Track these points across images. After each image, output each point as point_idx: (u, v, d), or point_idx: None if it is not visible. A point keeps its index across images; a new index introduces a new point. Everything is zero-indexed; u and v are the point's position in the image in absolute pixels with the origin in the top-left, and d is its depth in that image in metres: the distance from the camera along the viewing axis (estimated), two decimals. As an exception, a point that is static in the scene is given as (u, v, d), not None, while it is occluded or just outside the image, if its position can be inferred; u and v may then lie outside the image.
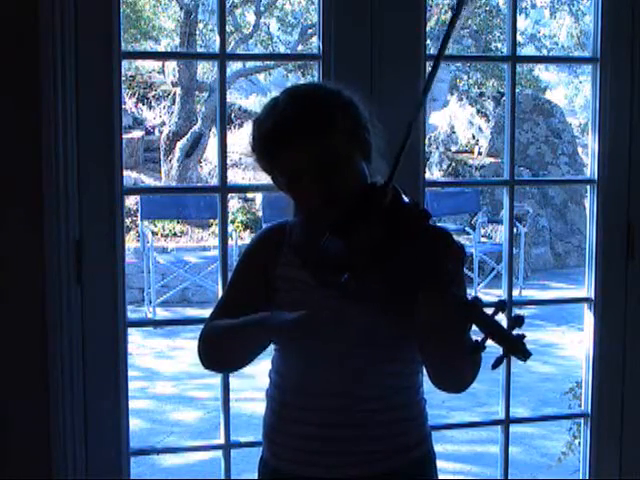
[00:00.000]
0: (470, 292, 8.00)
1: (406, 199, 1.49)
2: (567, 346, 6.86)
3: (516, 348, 1.27)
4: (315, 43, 2.28)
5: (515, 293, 7.79)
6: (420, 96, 1.52)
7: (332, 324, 1.53)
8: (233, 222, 9.30)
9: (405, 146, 1.47)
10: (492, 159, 10.43)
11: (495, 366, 1.30)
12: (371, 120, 1.63)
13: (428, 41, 2.41)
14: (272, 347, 1.69)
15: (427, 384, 1.65)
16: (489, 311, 1.32)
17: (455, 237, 1.47)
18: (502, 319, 1.33)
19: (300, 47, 12.38)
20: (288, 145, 1.55)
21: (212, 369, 1.75)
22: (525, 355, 1.27)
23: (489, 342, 1.30)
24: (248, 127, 11.74)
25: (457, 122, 11.21)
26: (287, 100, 1.60)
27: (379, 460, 1.60)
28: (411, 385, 1.66)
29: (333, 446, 1.59)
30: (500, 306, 1.31)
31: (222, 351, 1.65)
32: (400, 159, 1.47)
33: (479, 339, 1.30)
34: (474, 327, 1.34)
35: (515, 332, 1.29)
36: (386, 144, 1.64)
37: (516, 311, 7.62)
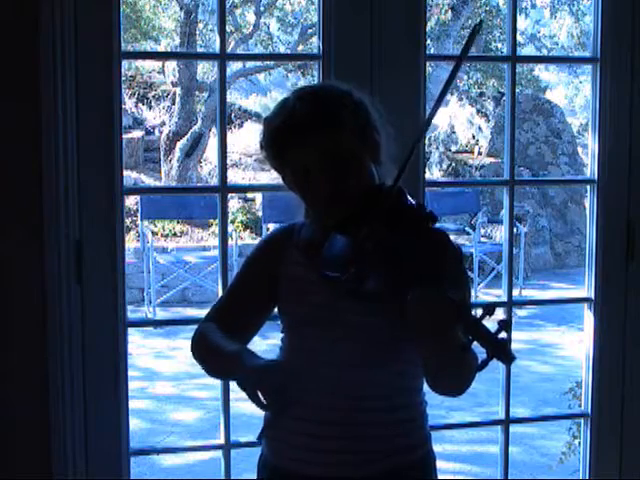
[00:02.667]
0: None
1: (412, 201, 1.50)
2: (567, 346, 6.85)
3: (499, 352, 1.29)
4: (315, 43, 2.28)
5: (515, 293, 7.79)
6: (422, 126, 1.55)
7: (330, 323, 1.54)
8: (233, 222, 9.30)
9: (410, 157, 1.49)
10: (492, 159, 10.43)
11: (479, 369, 1.32)
12: (382, 123, 1.64)
13: (428, 41, 2.41)
14: (270, 346, 1.70)
15: (426, 386, 1.66)
16: (478, 313, 1.33)
17: (455, 237, 1.47)
18: (498, 316, 1.33)
19: (300, 47, 12.39)
20: (296, 143, 1.57)
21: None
22: (508, 359, 1.29)
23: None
24: (248, 127, 11.77)
25: (457, 122, 11.22)
26: (297, 99, 1.61)
27: (379, 460, 1.60)
28: (414, 386, 1.66)
29: (333, 445, 1.59)
30: (488, 309, 1.32)
31: (204, 364, 1.68)
32: (406, 166, 1.48)
33: (465, 340, 1.33)
34: None
35: (500, 336, 1.30)
36: (397, 148, 1.65)
37: (516, 312, 7.58)
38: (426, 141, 2.26)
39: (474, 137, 10.99)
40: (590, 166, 2.45)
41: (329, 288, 1.49)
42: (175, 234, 9.40)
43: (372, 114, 1.64)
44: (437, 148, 11.04)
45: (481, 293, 8.33)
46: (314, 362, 1.59)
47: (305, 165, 1.57)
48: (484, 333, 1.30)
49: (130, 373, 2.20)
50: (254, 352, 1.56)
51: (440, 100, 1.53)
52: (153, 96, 12.53)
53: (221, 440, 2.24)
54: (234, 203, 9.64)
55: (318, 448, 1.60)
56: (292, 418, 1.61)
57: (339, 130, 1.57)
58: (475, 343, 1.32)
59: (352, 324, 1.56)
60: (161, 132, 11.40)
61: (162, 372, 6.22)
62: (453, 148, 11.09)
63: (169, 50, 13.12)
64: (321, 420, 1.59)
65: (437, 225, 1.51)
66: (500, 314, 2.45)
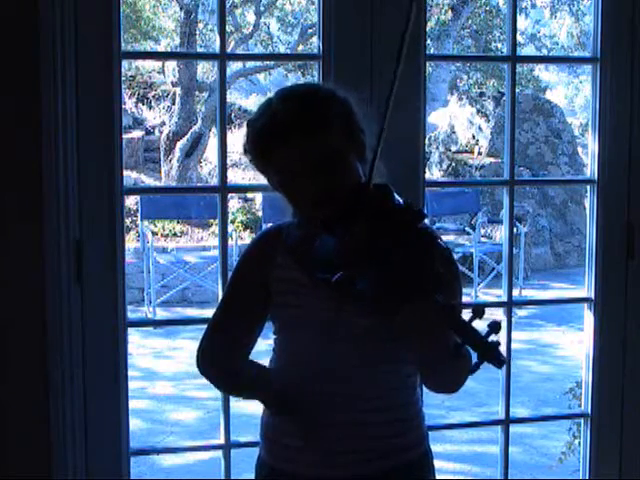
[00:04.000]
0: (470, 292, 8.02)
1: (399, 199, 1.49)
2: (567, 346, 6.86)
3: (490, 355, 1.28)
4: (315, 43, 2.28)
5: (515, 293, 7.79)
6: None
7: (327, 324, 1.54)
8: (233, 222, 9.30)
9: (379, 150, 1.47)
10: (492, 159, 10.43)
11: (472, 372, 1.32)
12: (367, 121, 1.63)
13: (428, 41, 2.41)
14: (270, 346, 1.70)
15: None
16: (467, 316, 1.32)
17: (455, 237, 1.47)
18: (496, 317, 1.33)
19: (300, 47, 12.38)
20: (281, 144, 1.55)
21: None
22: (499, 362, 1.28)
23: None
24: (248, 127, 11.75)
25: (457, 122, 11.21)
26: (280, 100, 1.60)
27: (376, 460, 1.60)
28: (409, 385, 1.66)
29: (330, 445, 1.59)
30: (477, 311, 1.31)
31: (219, 385, 1.86)
32: (376, 160, 1.47)
33: (458, 343, 1.32)
34: None
35: (490, 339, 1.29)
36: (384, 146, 1.63)
37: (516, 312, 7.56)
38: (426, 141, 2.26)
39: (474, 137, 10.98)
40: (590, 166, 2.45)
41: (320, 290, 1.48)
42: (175, 234, 9.40)
43: (357, 113, 1.62)
44: (437, 148, 11.03)
45: (481, 293, 8.33)
46: (308, 363, 1.59)
47: (290, 166, 1.55)
48: (474, 336, 1.29)
49: (130, 373, 2.20)
50: (266, 375, 1.67)
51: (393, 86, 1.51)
52: (153, 96, 12.53)
53: (221, 440, 2.25)
54: (234, 203, 9.64)
55: (314, 449, 1.60)
56: (289, 419, 1.61)
57: (324, 131, 1.55)
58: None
59: (346, 324, 1.56)
60: (161, 132, 11.40)
61: (162, 372, 6.22)
62: (453, 148, 11.08)
63: (169, 50, 13.13)
64: (317, 421, 1.59)
65: (437, 225, 1.50)
66: (499, 315, 2.45)
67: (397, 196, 1.49)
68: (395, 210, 1.45)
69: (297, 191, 1.57)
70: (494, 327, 1.29)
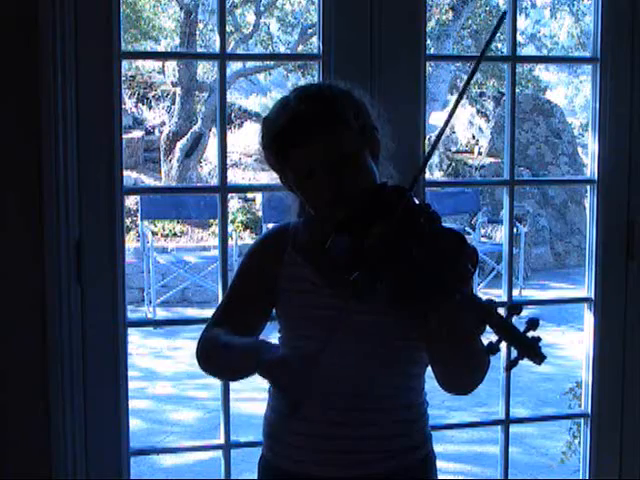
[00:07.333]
0: (470, 292, 8.01)
1: (417, 201, 1.49)
2: (567, 346, 6.86)
3: (531, 351, 1.27)
4: (315, 43, 2.28)
5: (515, 293, 7.79)
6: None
7: (336, 323, 1.53)
8: (233, 222, 9.30)
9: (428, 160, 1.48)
10: (492, 159, 10.43)
11: (509, 368, 1.31)
12: (380, 121, 1.65)
13: (428, 41, 2.41)
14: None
15: (427, 384, 1.65)
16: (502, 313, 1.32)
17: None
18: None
19: (300, 47, 12.37)
20: (299, 143, 1.56)
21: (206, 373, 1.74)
22: (540, 358, 1.28)
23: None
24: (248, 127, 11.76)
25: (457, 122, 11.21)
26: (298, 99, 1.61)
27: (380, 460, 1.60)
28: (415, 386, 1.66)
29: (335, 445, 1.59)
30: (515, 309, 1.30)
31: (214, 366, 1.67)
32: (423, 170, 1.48)
33: (493, 340, 1.30)
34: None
35: (530, 335, 1.29)
36: (394, 146, 1.65)
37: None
38: (426, 141, 2.26)
39: (474, 137, 10.99)
40: (590, 166, 2.45)
41: (334, 289, 1.47)
42: (175, 234, 9.40)
43: (372, 112, 1.64)
44: (437, 148, 11.04)
45: (481, 293, 8.32)
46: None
47: (309, 165, 1.56)
48: (515, 334, 1.28)
49: (130, 373, 2.20)
50: (270, 342, 1.55)
51: (461, 97, 1.50)
52: (153, 96, 12.52)
53: (221, 440, 2.24)
54: (234, 203, 9.64)
55: (320, 449, 1.60)
56: (294, 419, 1.61)
57: (343, 129, 1.57)
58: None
59: (356, 324, 1.55)
60: (161, 132, 11.40)
61: (162, 372, 6.22)
62: (453, 148, 11.09)
63: (169, 50, 13.13)
64: (323, 420, 1.59)
65: None
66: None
67: (415, 198, 1.49)
68: (417, 212, 1.45)
69: (314, 190, 1.58)
70: (532, 323, 1.29)
